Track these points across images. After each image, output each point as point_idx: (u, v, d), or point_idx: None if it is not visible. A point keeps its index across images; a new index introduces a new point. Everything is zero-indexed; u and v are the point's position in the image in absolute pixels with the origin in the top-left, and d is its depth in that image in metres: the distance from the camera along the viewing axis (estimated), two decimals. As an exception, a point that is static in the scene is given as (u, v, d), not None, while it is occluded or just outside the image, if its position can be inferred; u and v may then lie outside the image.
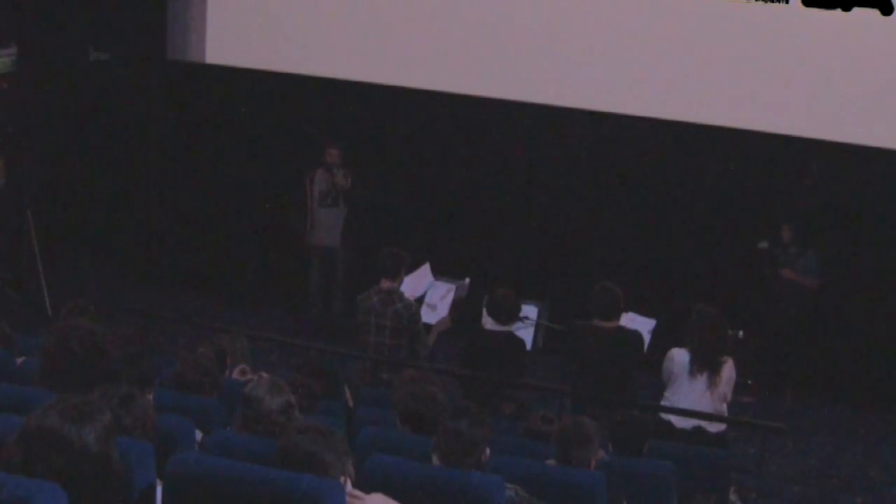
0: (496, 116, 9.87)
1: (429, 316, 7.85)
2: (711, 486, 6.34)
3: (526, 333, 7.76)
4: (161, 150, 10.80)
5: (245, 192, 10.67)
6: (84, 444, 3.11)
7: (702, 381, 6.93)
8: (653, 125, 9.27)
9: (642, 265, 9.48)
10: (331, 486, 3.46)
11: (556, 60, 9.34)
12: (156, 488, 3.54)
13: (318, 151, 9.82)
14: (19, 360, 5.45)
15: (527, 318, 7.78)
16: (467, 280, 8.26)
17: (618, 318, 7.14)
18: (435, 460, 4.24)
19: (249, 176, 10.60)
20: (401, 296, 7.43)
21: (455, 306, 8.03)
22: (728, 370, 6.97)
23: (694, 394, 6.95)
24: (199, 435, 4.49)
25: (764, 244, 9.28)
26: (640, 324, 7.66)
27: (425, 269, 8.30)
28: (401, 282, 7.49)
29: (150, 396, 4.63)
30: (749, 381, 8.86)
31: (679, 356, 7.00)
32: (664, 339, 7.49)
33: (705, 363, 6.92)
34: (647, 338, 7.42)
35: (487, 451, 4.28)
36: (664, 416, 7.04)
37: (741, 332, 8.07)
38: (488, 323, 7.22)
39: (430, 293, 8.16)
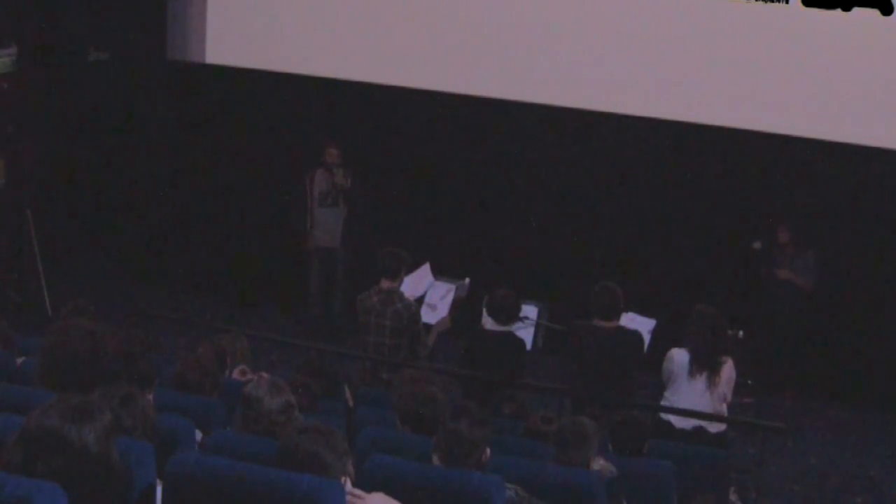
0: (496, 116, 9.87)
1: (429, 316, 7.86)
2: (711, 486, 6.34)
3: (526, 333, 7.76)
4: (161, 151, 10.79)
5: (245, 192, 10.66)
6: (84, 444, 3.11)
7: (701, 381, 6.93)
8: (653, 125, 9.26)
9: (642, 265, 9.48)
10: (331, 486, 3.46)
11: (556, 60, 9.34)
12: (156, 488, 3.54)
13: (318, 151, 9.82)
14: (19, 360, 5.45)
15: (527, 318, 7.79)
16: (467, 280, 8.26)
17: (618, 318, 7.14)
18: (435, 460, 4.24)
19: (249, 176, 10.60)
20: (401, 296, 7.43)
21: (455, 306, 8.03)
22: (728, 370, 6.97)
23: (693, 394, 6.95)
24: (199, 435, 4.49)
25: (758, 245, 9.28)
26: (640, 324, 7.66)
27: (425, 269, 8.31)
28: (401, 282, 7.49)
29: (150, 396, 4.64)
30: (749, 381, 8.86)
31: (679, 356, 7.00)
32: (664, 339, 7.50)
33: (705, 363, 6.92)
34: (647, 338, 7.43)
35: (487, 451, 4.29)
36: (664, 416, 7.05)
37: (741, 332, 8.07)
38: (488, 323, 7.22)
39: (430, 293, 8.16)
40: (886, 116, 8.57)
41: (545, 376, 8.71)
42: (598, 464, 5.01)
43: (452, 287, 8.19)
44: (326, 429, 3.75)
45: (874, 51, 8.49)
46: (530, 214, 10.00)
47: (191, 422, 4.41)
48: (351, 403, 6.43)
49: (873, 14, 8.41)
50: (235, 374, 6.34)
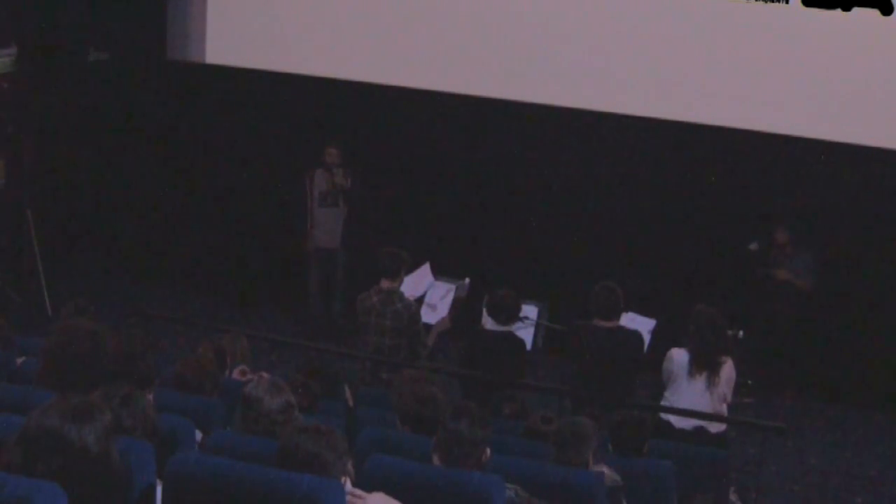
0: (496, 116, 9.87)
1: (429, 316, 7.86)
2: (711, 486, 6.34)
3: (526, 333, 7.76)
4: (161, 151, 10.79)
5: (245, 192, 10.67)
6: (84, 444, 3.11)
7: (701, 381, 6.93)
8: (653, 125, 9.26)
9: (642, 265, 9.48)
10: (331, 486, 3.46)
11: (556, 60, 9.34)
12: (156, 488, 3.54)
13: (318, 151, 9.82)
14: (19, 360, 5.45)
15: (527, 318, 7.79)
16: (467, 280, 8.26)
17: (618, 317, 7.14)
18: (435, 460, 4.24)
19: (249, 176, 10.60)
20: (401, 296, 7.44)
21: (455, 306, 8.03)
22: (727, 370, 6.97)
23: (693, 394, 6.95)
24: (199, 435, 4.49)
25: (754, 246, 9.28)
26: (640, 324, 7.67)
27: (425, 269, 8.31)
28: (401, 282, 7.49)
29: (150, 396, 4.63)
30: (749, 381, 8.86)
31: (678, 356, 7.00)
32: (664, 339, 7.50)
33: (704, 363, 6.92)
34: (647, 338, 7.43)
35: (487, 451, 4.28)
36: (664, 415, 7.05)
37: (741, 332, 8.07)
38: (488, 323, 7.22)
39: (430, 293, 8.16)
40: (886, 116, 8.57)
41: (545, 376, 8.71)
42: (603, 472, 5.00)
43: (452, 287, 8.19)
44: (326, 429, 3.75)
45: (874, 51, 8.49)
46: (530, 214, 10.00)
47: (191, 422, 4.41)
48: (351, 403, 6.43)
49: (873, 14, 8.41)
50: (235, 374, 6.34)
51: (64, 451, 3.10)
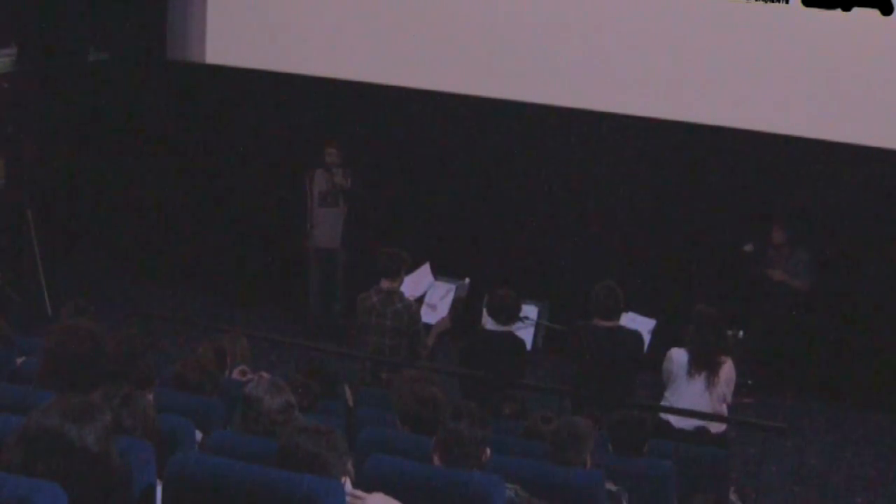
0: (496, 116, 9.87)
1: (429, 316, 7.86)
2: (711, 486, 6.34)
3: (526, 333, 7.77)
4: (161, 151, 10.79)
5: (245, 192, 10.67)
6: (84, 444, 3.11)
7: (700, 381, 6.93)
8: (653, 125, 9.26)
9: (642, 265, 9.48)
10: (331, 486, 3.46)
11: (556, 60, 9.34)
12: (156, 488, 3.54)
13: (318, 151, 9.82)
14: (19, 360, 5.45)
15: (527, 318, 7.79)
16: (467, 280, 8.27)
17: (618, 317, 7.15)
18: (435, 460, 4.24)
19: (249, 176, 10.60)
20: (401, 296, 7.44)
21: (455, 306, 8.03)
22: (727, 371, 6.97)
23: (693, 394, 6.96)
24: (199, 435, 4.50)
25: (749, 247, 9.27)
26: (640, 324, 7.67)
27: (425, 269, 8.32)
28: (401, 282, 7.49)
29: (150, 396, 4.63)
30: (749, 381, 8.87)
31: (678, 356, 7.01)
32: (664, 339, 7.50)
33: (704, 363, 6.93)
34: (647, 338, 7.44)
35: (487, 451, 4.29)
36: (663, 415, 7.05)
37: (741, 332, 8.08)
38: (488, 323, 7.22)
39: (430, 293, 8.17)
40: (886, 116, 8.56)
41: (545, 376, 8.71)
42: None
43: (452, 287, 8.19)
44: (326, 429, 3.75)
45: (874, 51, 8.49)
46: (530, 214, 10.00)
47: (191, 422, 4.41)
48: (351, 403, 6.43)
49: (873, 14, 8.41)
50: (235, 374, 6.34)
51: (64, 451, 3.10)
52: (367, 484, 3.94)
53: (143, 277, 10.82)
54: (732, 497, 6.68)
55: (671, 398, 7.05)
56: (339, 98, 10.15)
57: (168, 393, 5.17)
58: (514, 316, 7.25)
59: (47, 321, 9.06)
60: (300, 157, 10.07)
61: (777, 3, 8.67)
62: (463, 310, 8.02)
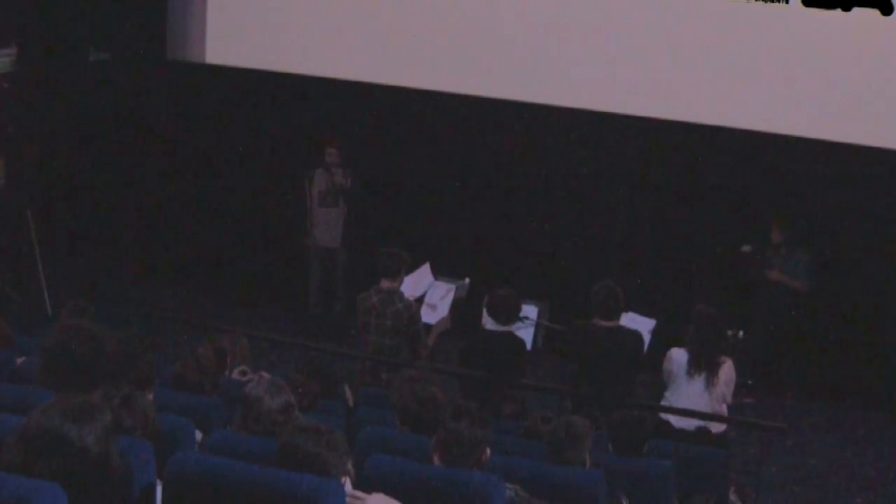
0: (496, 116, 9.87)
1: (429, 316, 7.87)
2: (711, 486, 6.34)
3: (526, 333, 7.77)
4: (161, 150, 10.79)
5: (245, 192, 10.67)
6: (84, 444, 3.11)
7: (699, 381, 6.94)
8: (653, 125, 9.26)
9: (642, 265, 9.48)
10: (331, 486, 3.46)
11: (556, 60, 9.34)
12: (156, 488, 3.54)
13: (318, 151, 9.82)
14: (19, 360, 5.44)
15: (527, 318, 7.79)
16: (467, 280, 8.27)
17: (618, 317, 7.15)
18: (435, 460, 4.24)
19: (249, 175, 10.60)
20: (401, 296, 7.43)
21: (455, 306, 8.03)
22: (727, 371, 6.97)
23: (692, 394, 6.96)
24: (199, 435, 4.49)
25: (747, 248, 9.26)
26: (640, 324, 7.67)
27: (425, 269, 8.31)
28: (401, 282, 7.49)
29: (150, 396, 4.63)
30: (749, 381, 8.87)
31: (678, 356, 7.01)
32: (664, 339, 7.50)
33: (703, 363, 6.93)
34: (647, 338, 7.44)
35: (487, 451, 4.28)
36: (663, 415, 7.05)
37: (741, 332, 8.07)
38: (488, 323, 7.22)
39: (430, 293, 8.17)
40: (886, 116, 8.56)
41: (545, 376, 8.71)
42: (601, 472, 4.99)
43: (452, 287, 8.19)
44: (326, 429, 3.75)
45: (874, 51, 8.49)
46: (530, 214, 10.00)
47: (191, 422, 4.41)
48: (351, 403, 6.43)
49: (873, 14, 8.41)
50: (235, 375, 6.34)
51: (64, 451, 3.09)
52: (367, 484, 3.94)
53: (143, 277, 10.82)
54: (732, 497, 6.68)
55: (671, 398, 7.06)
56: (339, 98, 10.15)
57: (168, 393, 5.17)
58: (514, 316, 7.25)
59: (47, 321, 9.06)
60: (300, 157, 10.07)
61: (777, 3, 8.67)
62: (463, 310, 8.02)
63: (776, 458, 8.10)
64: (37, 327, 8.12)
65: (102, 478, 3.15)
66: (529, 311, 7.94)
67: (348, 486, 3.75)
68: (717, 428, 7.02)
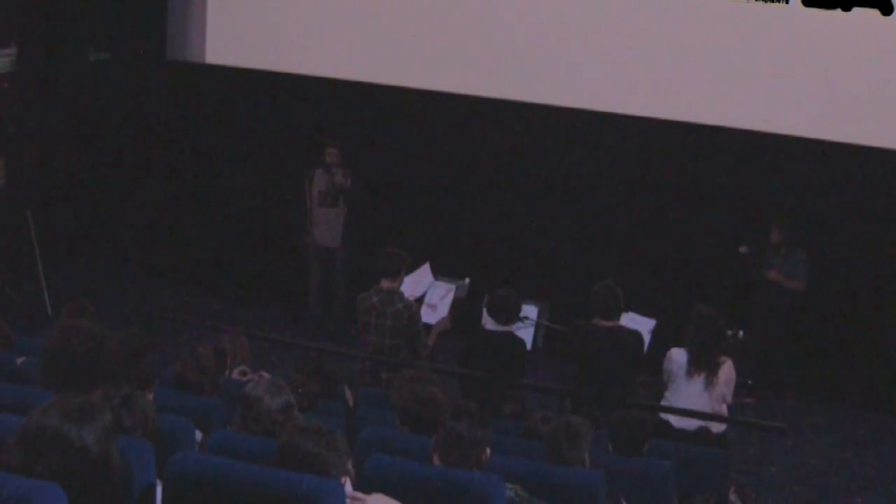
0: (496, 116, 9.87)
1: (429, 316, 7.87)
2: (711, 486, 6.34)
3: (526, 333, 7.77)
4: (161, 150, 10.79)
5: (245, 192, 10.67)
6: (84, 444, 3.11)
7: (699, 381, 6.93)
8: (653, 125, 9.26)
9: (642, 265, 9.48)
10: (331, 487, 3.46)
11: (556, 60, 9.34)
12: (156, 488, 3.54)
13: (318, 151, 9.82)
14: (19, 360, 5.45)
15: (527, 318, 7.80)
16: (467, 280, 8.27)
17: (618, 317, 7.15)
18: (435, 460, 4.24)
19: (249, 175, 10.60)
20: (401, 296, 7.44)
21: (455, 306, 8.03)
22: (727, 371, 6.97)
23: (692, 394, 6.96)
24: (199, 435, 4.50)
25: (745, 249, 9.26)
26: (640, 324, 7.67)
27: (425, 269, 8.32)
28: (401, 282, 7.49)
29: (150, 396, 4.64)
30: (749, 381, 8.87)
31: (678, 356, 7.01)
32: (664, 339, 7.50)
33: (703, 363, 6.92)
34: (647, 338, 7.43)
35: (487, 451, 4.28)
36: (663, 415, 7.05)
37: (741, 332, 8.07)
38: (488, 323, 7.22)
39: (430, 293, 8.17)
40: (886, 116, 8.57)
41: (545, 376, 8.71)
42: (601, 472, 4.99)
43: (452, 287, 8.19)
44: (326, 429, 3.75)
45: (874, 51, 8.49)
46: (530, 214, 10.00)
47: (191, 422, 4.41)
48: (351, 403, 6.43)
49: (873, 14, 8.42)
50: (235, 375, 6.34)
51: (64, 451, 3.09)
52: (367, 484, 3.94)
53: (143, 277, 10.83)
54: (732, 497, 6.68)
55: (671, 398, 7.05)
56: (339, 98, 10.15)
57: (168, 393, 5.17)
58: (514, 316, 7.25)
59: (47, 321, 9.07)
60: (300, 157, 10.07)
61: (777, 3, 8.68)
62: (463, 310, 8.02)
63: (776, 458, 8.10)
64: (37, 327, 8.14)
65: (102, 478, 3.15)
66: (529, 311, 7.94)
67: (348, 487, 3.75)
68: (717, 428, 7.02)
